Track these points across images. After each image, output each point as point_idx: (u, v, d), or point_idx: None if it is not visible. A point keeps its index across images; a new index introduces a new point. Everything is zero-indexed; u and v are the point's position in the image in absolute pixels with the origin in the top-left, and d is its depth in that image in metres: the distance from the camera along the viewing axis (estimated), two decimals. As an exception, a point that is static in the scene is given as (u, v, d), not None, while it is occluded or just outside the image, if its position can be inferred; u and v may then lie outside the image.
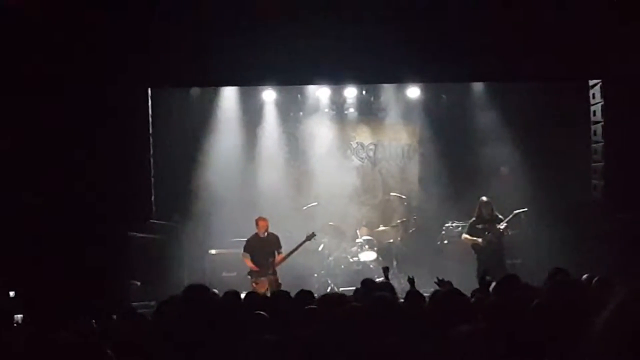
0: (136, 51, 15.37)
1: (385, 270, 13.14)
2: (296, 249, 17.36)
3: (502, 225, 16.83)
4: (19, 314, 11.92)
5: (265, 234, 17.45)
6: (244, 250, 17.48)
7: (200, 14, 15.35)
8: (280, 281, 17.00)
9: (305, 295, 9.64)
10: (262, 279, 17.06)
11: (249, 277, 17.18)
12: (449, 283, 11.69)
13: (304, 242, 17.47)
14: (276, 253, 17.37)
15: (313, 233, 17.69)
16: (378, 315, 7.23)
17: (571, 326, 7.20)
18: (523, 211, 17.20)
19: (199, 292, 8.37)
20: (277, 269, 17.30)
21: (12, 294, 13.91)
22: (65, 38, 15.09)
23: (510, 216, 16.99)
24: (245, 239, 17.70)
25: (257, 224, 17.50)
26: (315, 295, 10.04)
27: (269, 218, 17.83)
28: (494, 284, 10.24)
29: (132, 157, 15.83)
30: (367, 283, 11.21)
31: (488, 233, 16.85)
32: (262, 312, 7.98)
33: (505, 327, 7.16)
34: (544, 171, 18.83)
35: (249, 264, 17.32)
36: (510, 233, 16.97)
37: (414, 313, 8.05)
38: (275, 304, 8.98)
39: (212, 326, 7.23)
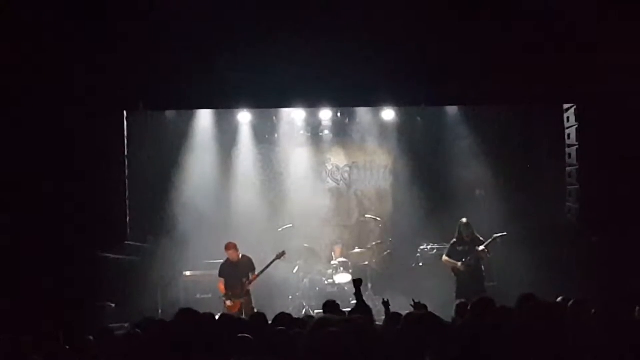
0: (112, 74, 15.35)
1: (358, 282, 12.34)
2: (266, 268, 17.41)
3: (481, 249, 16.88)
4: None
5: (239, 257, 17.50)
6: (219, 275, 17.56)
7: (175, 38, 15.35)
8: (253, 304, 17.09)
9: (283, 318, 9.62)
10: (235, 300, 17.12)
11: (223, 298, 17.20)
12: (424, 307, 11.68)
13: (274, 260, 17.52)
14: (250, 275, 17.39)
15: (283, 252, 17.73)
16: (354, 340, 7.21)
17: (547, 349, 7.24)
18: (502, 235, 17.24)
19: (191, 316, 8.41)
20: (251, 290, 17.37)
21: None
22: (41, 60, 15.04)
23: (490, 240, 17.01)
24: (220, 261, 17.75)
25: (225, 250, 17.56)
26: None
27: (244, 239, 17.88)
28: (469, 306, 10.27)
29: (107, 179, 15.77)
30: (329, 306, 11.16)
31: (468, 255, 16.92)
32: (246, 335, 7.97)
33: (479, 350, 7.17)
34: (518, 194, 18.94)
35: (221, 288, 17.39)
36: (489, 256, 16.98)
37: (393, 337, 8.04)
38: (253, 327, 8.94)
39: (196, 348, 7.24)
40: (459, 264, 16.97)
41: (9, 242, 14.75)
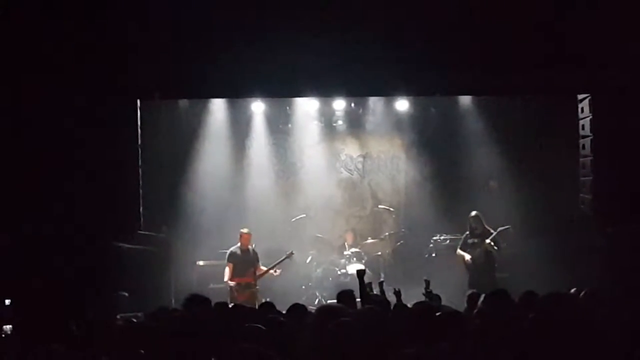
0: (125, 62, 15.35)
1: (360, 273, 11.91)
2: (275, 266, 17.62)
3: (487, 242, 16.96)
4: (8, 324, 11.89)
5: (249, 247, 17.79)
6: (228, 260, 17.79)
7: (189, 27, 15.35)
8: (259, 294, 17.45)
9: (298, 308, 9.62)
10: (245, 291, 17.43)
11: (230, 286, 17.50)
12: (438, 298, 11.73)
13: (283, 260, 17.75)
14: (255, 268, 17.79)
15: (292, 252, 17.93)
16: (367, 329, 7.24)
17: (560, 340, 7.24)
18: (506, 228, 17.30)
19: (199, 302, 8.44)
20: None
21: (7, 302, 13.87)
22: (54, 49, 15.05)
23: (494, 234, 17.09)
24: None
25: (241, 237, 17.85)
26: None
27: (257, 229, 18.05)
28: (482, 297, 10.30)
29: (121, 168, 15.77)
30: (345, 297, 11.00)
31: (478, 248, 17.01)
32: (258, 325, 7.98)
33: (491, 342, 7.19)
34: (532, 185, 18.89)
35: (229, 274, 17.66)
36: (496, 249, 17.02)
37: (399, 327, 8.07)
38: (265, 317, 8.94)
39: (208, 336, 7.27)
40: (467, 257, 17.14)
41: (22, 232, 14.78)
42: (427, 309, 8.59)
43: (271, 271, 17.71)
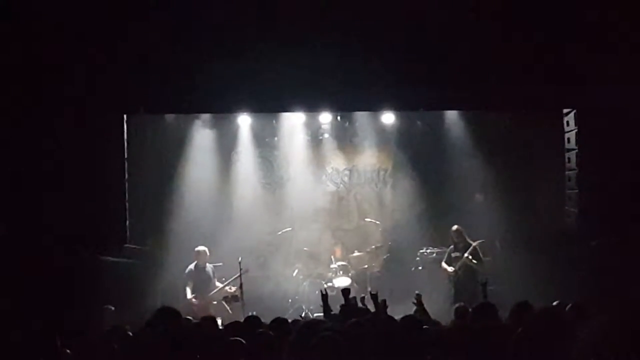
0: (112, 77, 15.35)
1: (345, 292, 12.14)
2: (231, 281, 17.56)
3: (465, 256, 17.15)
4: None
5: (206, 264, 17.94)
6: (188, 279, 17.87)
7: (176, 41, 15.36)
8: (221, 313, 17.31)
9: (280, 323, 9.62)
10: (203, 304, 17.50)
11: (190, 302, 17.60)
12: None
13: (239, 275, 17.39)
14: (212, 284, 17.95)
15: (247, 269, 17.69)
16: (351, 344, 7.23)
17: (547, 354, 7.26)
18: (480, 242, 17.50)
19: (169, 316, 8.41)
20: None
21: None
22: (40, 62, 15.05)
23: (471, 247, 17.25)
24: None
25: (198, 254, 18.02)
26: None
27: (243, 243, 18.09)
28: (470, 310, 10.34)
29: (107, 182, 15.78)
30: (348, 311, 11.01)
31: (459, 262, 17.21)
32: (240, 339, 7.98)
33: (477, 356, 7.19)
34: (518, 198, 18.95)
35: (188, 292, 17.78)
36: (476, 263, 17.16)
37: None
38: (249, 331, 8.93)
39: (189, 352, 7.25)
40: (449, 269, 17.35)
41: (8, 245, 14.73)
42: (414, 322, 8.61)
43: (227, 289, 17.64)
